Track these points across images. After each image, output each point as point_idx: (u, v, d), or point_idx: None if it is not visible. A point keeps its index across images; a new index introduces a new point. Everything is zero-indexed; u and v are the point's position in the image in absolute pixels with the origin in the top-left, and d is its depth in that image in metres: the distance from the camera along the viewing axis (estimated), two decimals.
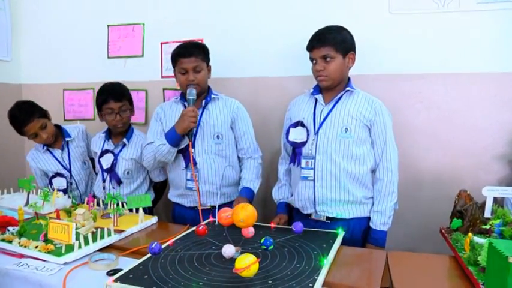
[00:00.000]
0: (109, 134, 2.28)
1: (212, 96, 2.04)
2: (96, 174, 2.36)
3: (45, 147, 2.35)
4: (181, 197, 2.05)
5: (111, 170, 2.20)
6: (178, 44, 2.59)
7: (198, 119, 1.96)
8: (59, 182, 2.32)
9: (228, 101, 2.07)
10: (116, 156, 2.21)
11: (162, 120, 2.06)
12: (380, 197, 1.78)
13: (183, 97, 2.04)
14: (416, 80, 2.15)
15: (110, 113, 2.16)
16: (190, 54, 1.95)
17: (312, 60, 1.81)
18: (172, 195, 2.11)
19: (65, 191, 2.29)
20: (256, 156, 2.10)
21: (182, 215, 2.06)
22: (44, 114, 2.28)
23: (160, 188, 2.40)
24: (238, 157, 2.11)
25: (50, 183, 2.33)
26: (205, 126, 2.00)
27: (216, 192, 1.97)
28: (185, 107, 1.99)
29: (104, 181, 2.24)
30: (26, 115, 2.20)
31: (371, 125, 1.77)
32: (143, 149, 2.06)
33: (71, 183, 2.34)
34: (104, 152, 2.24)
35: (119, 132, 2.25)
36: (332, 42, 1.73)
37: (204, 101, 2.02)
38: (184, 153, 1.97)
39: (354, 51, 1.81)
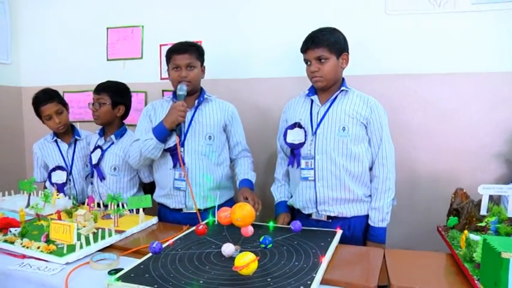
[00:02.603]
0: (103, 131, 2.32)
1: (205, 96, 2.03)
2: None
3: (54, 138, 2.42)
4: (167, 197, 2.01)
5: (97, 165, 2.22)
6: None
7: (190, 118, 1.96)
8: (59, 176, 2.36)
9: (222, 104, 2.06)
10: (103, 151, 2.23)
11: (152, 118, 2.03)
12: (377, 194, 1.80)
13: (175, 96, 2.01)
14: (413, 80, 2.18)
15: (93, 105, 2.24)
16: (185, 50, 1.95)
17: (306, 62, 1.82)
18: (158, 196, 2.07)
19: (63, 186, 2.33)
20: (249, 155, 2.13)
21: (166, 217, 2.01)
22: (64, 103, 2.42)
23: (149, 190, 2.36)
24: (231, 159, 2.11)
25: (49, 177, 2.37)
26: (197, 126, 1.98)
27: (203, 195, 1.96)
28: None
29: (92, 176, 2.29)
30: (47, 96, 2.37)
31: (367, 123, 1.79)
32: (129, 145, 2.04)
33: (70, 180, 2.37)
34: (95, 148, 2.27)
35: (110, 130, 2.29)
36: (325, 43, 1.75)
37: (196, 101, 2.00)
38: (172, 152, 1.94)
39: (348, 52, 1.82)
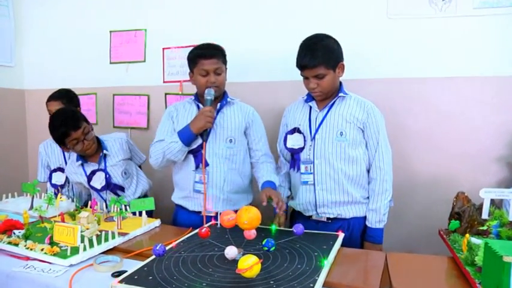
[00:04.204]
0: (83, 158, 2.18)
1: (228, 99, 2.00)
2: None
3: None
4: (186, 199, 1.99)
5: (109, 185, 2.16)
6: (179, 49, 2.66)
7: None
8: (59, 177, 2.36)
9: (243, 107, 2.03)
10: (105, 170, 2.16)
11: (174, 119, 2.00)
12: (374, 195, 1.82)
13: (197, 98, 2.00)
14: (415, 84, 2.19)
15: (76, 143, 2.05)
16: (212, 55, 1.90)
17: (303, 75, 1.82)
18: (176, 197, 2.05)
19: (61, 188, 2.34)
20: (271, 160, 2.03)
21: (184, 219, 2.00)
22: (71, 106, 2.40)
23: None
24: (252, 163, 2.04)
25: (50, 178, 2.38)
26: (219, 129, 1.95)
27: (223, 198, 1.94)
28: (199, 108, 1.96)
29: (104, 200, 2.17)
30: (57, 93, 2.48)
31: (364, 127, 1.81)
32: (151, 145, 1.99)
33: (69, 182, 2.36)
34: (91, 175, 2.16)
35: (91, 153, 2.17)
36: (322, 60, 1.74)
37: (219, 104, 1.97)
38: (195, 153, 1.91)
39: (343, 59, 1.82)
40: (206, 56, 1.89)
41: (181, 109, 2.03)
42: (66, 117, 2.06)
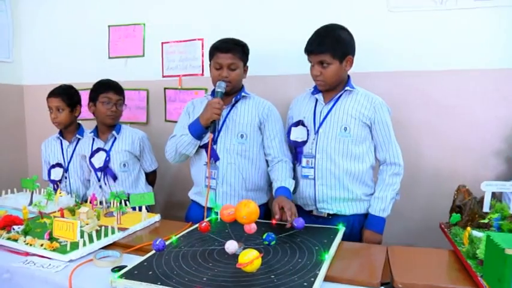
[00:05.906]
0: (97, 133, 2.29)
1: (243, 94, 1.97)
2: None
3: (59, 134, 2.45)
4: (199, 194, 1.99)
5: (106, 167, 2.19)
6: (178, 43, 2.65)
7: (225, 115, 1.91)
8: (56, 173, 2.37)
9: (259, 102, 1.98)
10: (108, 152, 2.21)
11: (191, 114, 2.01)
12: (383, 185, 1.80)
13: (214, 94, 1.94)
14: (415, 77, 2.17)
15: (108, 102, 2.20)
16: (228, 50, 1.89)
17: (310, 61, 1.82)
18: (192, 193, 2.07)
19: (59, 183, 2.35)
20: (286, 159, 1.93)
21: (197, 214, 1.94)
22: (71, 102, 2.39)
23: (151, 181, 2.43)
24: (267, 161, 1.98)
25: (49, 174, 2.39)
26: (231, 124, 1.92)
27: (234, 195, 1.92)
28: None
29: (99, 180, 2.24)
30: (57, 89, 2.40)
31: (371, 123, 1.79)
32: (167, 140, 2.00)
33: (66, 177, 2.37)
34: (94, 152, 2.22)
35: (107, 129, 2.27)
36: (329, 48, 1.72)
37: (234, 99, 1.94)
38: (207, 148, 1.88)
39: (353, 54, 1.80)
40: (222, 50, 1.89)
41: (198, 104, 2.03)
42: (114, 83, 2.31)
